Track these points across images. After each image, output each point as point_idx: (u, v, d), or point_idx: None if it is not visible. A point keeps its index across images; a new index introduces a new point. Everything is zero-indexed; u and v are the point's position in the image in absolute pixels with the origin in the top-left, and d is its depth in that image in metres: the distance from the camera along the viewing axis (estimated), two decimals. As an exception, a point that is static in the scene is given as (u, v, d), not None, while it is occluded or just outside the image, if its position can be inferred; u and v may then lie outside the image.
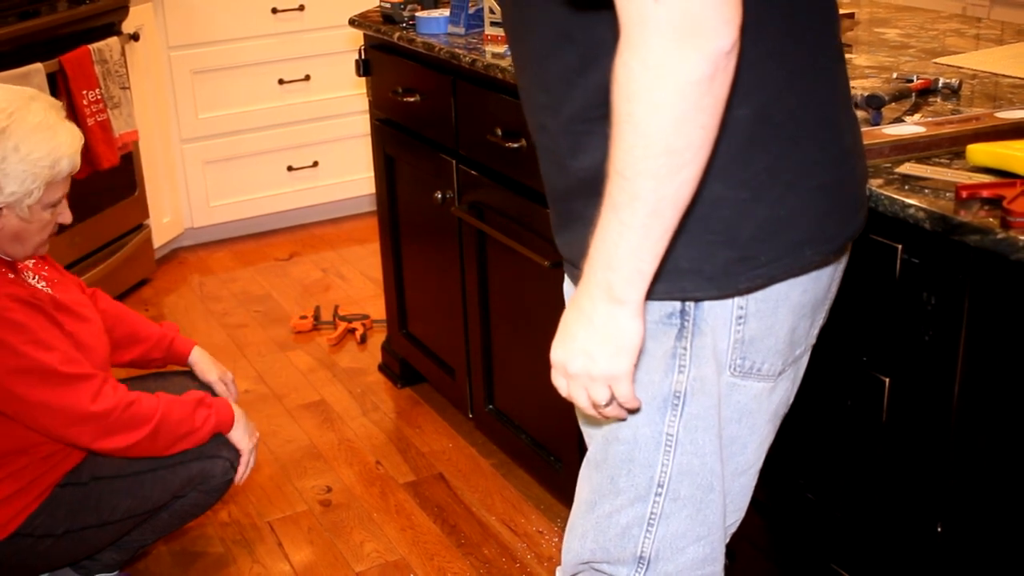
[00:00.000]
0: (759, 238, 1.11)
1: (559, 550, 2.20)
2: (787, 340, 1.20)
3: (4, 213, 1.76)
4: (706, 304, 1.14)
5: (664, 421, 1.19)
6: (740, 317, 1.15)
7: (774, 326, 1.17)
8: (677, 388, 1.17)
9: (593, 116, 1.09)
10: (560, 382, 1.14)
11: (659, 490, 1.21)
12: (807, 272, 1.17)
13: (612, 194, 1.01)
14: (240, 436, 1.98)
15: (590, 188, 1.07)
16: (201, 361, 2.15)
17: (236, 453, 1.99)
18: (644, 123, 0.96)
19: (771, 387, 1.23)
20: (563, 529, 2.24)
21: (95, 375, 1.82)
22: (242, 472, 2.00)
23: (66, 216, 1.88)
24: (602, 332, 1.07)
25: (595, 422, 1.25)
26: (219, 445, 1.96)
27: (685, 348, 1.16)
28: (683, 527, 1.23)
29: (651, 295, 1.12)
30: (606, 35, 1.01)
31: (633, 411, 1.17)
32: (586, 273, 1.07)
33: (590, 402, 1.12)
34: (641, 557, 1.24)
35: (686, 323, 1.15)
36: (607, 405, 1.12)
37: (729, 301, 1.15)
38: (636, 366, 1.16)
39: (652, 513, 1.22)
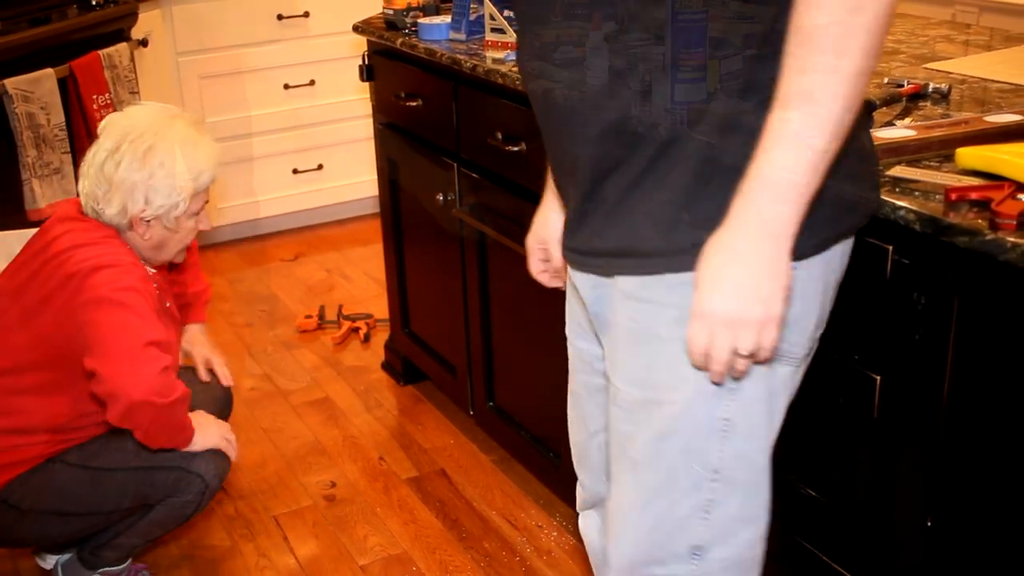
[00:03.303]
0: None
1: (558, 544, 2.23)
2: (817, 322, 1.20)
3: (152, 224, 1.88)
4: None
5: (720, 406, 1.17)
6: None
7: (808, 309, 1.17)
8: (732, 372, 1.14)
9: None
10: (701, 338, 1.08)
11: (715, 476, 1.19)
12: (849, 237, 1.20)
13: (792, 122, 1.00)
14: (202, 442, 1.93)
15: (674, 151, 1.07)
16: (193, 339, 2.18)
17: (211, 470, 1.94)
18: (853, 46, 0.99)
19: (793, 371, 1.21)
20: (561, 523, 2.28)
21: (173, 362, 1.84)
22: (228, 448, 1.98)
23: (206, 223, 1.97)
24: (769, 272, 1.04)
25: (635, 423, 1.21)
26: (190, 460, 1.93)
27: None
28: (737, 510, 1.22)
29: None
30: None
31: (763, 362, 1.13)
32: (740, 215, 1.04)
33: (732, 353, 1.07)
34: (697, 547, 1.22)
35: None
36: (748, 356, 1.08)
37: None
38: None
39: (709, 500, 1.20)
